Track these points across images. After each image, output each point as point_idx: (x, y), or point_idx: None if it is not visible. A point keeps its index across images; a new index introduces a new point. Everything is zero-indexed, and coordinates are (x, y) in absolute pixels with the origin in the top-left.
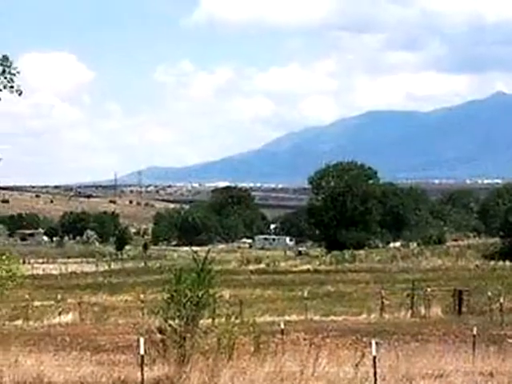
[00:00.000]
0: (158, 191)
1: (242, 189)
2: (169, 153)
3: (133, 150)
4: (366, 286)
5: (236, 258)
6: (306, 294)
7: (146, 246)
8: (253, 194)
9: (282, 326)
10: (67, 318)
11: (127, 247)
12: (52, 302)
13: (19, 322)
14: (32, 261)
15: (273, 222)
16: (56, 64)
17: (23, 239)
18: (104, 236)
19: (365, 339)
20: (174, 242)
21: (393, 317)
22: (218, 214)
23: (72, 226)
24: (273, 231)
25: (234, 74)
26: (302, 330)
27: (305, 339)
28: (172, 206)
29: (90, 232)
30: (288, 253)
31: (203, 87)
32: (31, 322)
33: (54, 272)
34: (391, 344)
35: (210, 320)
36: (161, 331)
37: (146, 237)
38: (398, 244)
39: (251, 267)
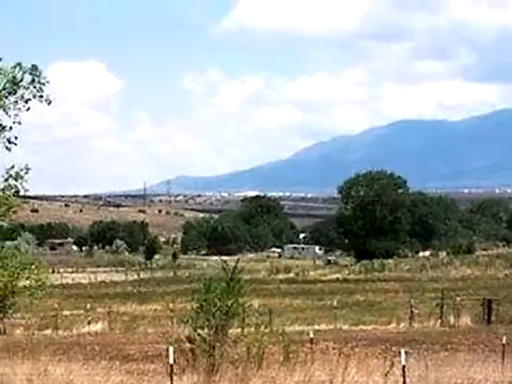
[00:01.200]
0: (187, 200)
1: (272, 198)
2: (198, 162)
3: (162, 160)
4: (395, 295)
5: (265, 268)
6: (335, 303)
7: (175, 256)
8: (282, 203)
9: (312, 336)
10: (96, 327)
11: (156, 256)
12: (81, 312)
13: (48, 332)
14: (61, 270)
15: (302, 232)
16: (85, 73)
17: (52, 248)
18: (133, 245)
19: (394, 348)
20: (203, 252)
21: (422, 326)
22: (248, 223)
23: (101, 236)
24: (302, 240)
25: (263, 83)
26: (331, 340)
27: (334, 348)
28: (201, 215)
29: (119, 241)
30: (317, 262)
31: (232, 96)
32: (60, 332)
33: (84, 281)
34: (420, 353)
35: (239, 329)
36: (190, 340)
37: (175, 246)
38: (427, 253)
39: (280, 276)
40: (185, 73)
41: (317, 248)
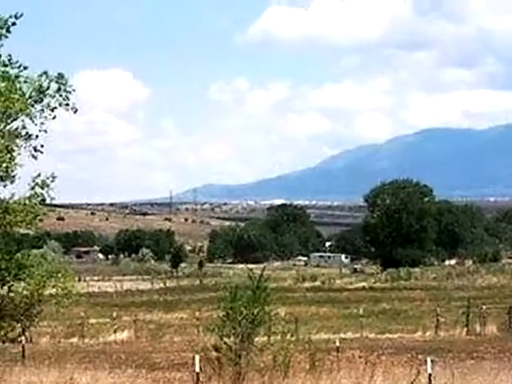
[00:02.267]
0: (213, 209)
1: (298, 206)
2: (224, 170)
3: (188, 168)
4: (421, 303)
5: (291, 276)
6: (361, 312)
7: (201, 264)
8: (308, 211)
9: (338, 344)
10: (122, 335)
11: (182, 265)
12: (107, 320)
13: (75, 340)
14: (87, 278)
15: (328, 240)
16: (111, 81)
17: (79, 257)
18: (159, 254)
19: (420, 357)
20: (229, 260)
21: (448, 334)
22: (274, 231)
23: (127, 244)
24: (328, 249)
25: (288, 91)
26: (357, 348)
27: (360, 357)
28: (227, 223)
29: (145, 250)
30: (343, 270)
31: (258, 104)
32: (87, 340)
33: (110, 290)
34: (446, 362)
35: (265, 337)
36: (216, 349)
37: (201, 254)
38: (453, 262)
39: (306, 285)
40: (211, 81)
41: (343, 256)
